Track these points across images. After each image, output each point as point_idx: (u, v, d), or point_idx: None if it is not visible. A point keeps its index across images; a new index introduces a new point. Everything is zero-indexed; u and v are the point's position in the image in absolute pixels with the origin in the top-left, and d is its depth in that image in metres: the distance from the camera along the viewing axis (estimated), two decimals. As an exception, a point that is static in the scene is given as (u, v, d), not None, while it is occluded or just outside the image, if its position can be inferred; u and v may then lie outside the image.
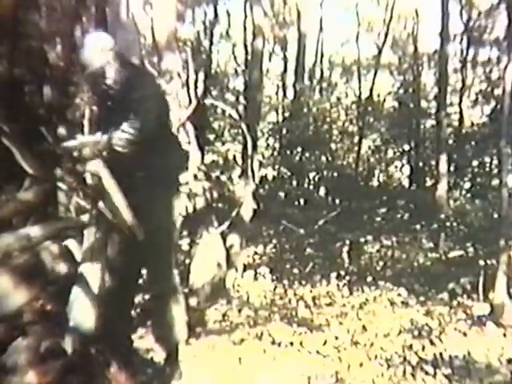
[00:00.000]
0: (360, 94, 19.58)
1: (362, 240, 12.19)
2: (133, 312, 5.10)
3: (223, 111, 15.78)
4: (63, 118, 4.44)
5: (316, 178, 18.61)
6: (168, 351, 4.29)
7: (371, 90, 18.44)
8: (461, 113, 17.81)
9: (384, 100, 20.27)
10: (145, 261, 4.17)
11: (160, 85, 4.27)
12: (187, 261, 7.33)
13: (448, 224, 12.11)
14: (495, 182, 14.66)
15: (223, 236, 7.79)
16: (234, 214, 8.26)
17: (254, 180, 9.04)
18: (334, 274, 9.40)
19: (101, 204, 3.89)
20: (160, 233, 4.01)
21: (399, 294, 8.36)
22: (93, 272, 3.84)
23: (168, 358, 4.30)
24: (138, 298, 5.29)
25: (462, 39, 17.93)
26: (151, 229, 3.88)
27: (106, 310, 3.83)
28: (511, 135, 7.98)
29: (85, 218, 4.21)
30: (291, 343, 5.79)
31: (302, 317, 6.91)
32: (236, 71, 20.09)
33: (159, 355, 4.50)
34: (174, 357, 4.29)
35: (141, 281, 4.61)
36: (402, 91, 19.93)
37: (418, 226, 12.98)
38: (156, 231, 3.93)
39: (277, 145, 18.57)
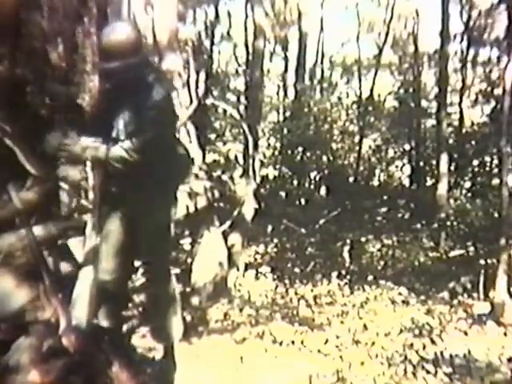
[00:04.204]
0: (360, 93, 19.61)
1: (363, 239, 12.21)
2: (135, 311, 5.12)
3: (224, 111, 15.82)
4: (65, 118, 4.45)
5: (317, 178, 18.62)
6: (164, 346, 4.32)
7: (372, 90, 18.46)
8: (461, 112, 17.81)
9: (384, 100, 20.27)
10: (142, 258, 4.19)
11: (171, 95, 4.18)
12: (189, 260, 7.34)
13: (448, 223, 12.13)
14: (495, 181, 14.67)
15: (225, 235, 7.81)
16: (235, 213, 8.28)
17: (255, 179, 9.06)
18: (334, 273, 9.44)
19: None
20: (158, 231, 4.04)
21: (400, 293, 8.38)
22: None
23: (165, 354, 4.33)
24: (139, 298, 5.31)
25: (462, 39, 17.92)
26: (150, 227, 3.90)
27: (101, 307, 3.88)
28: (511, 135, 7.99)
29: (87, 217, 4.23)
30: (292, 342, 5.81)
31: (303, 316, 6.93)
32: (237, 71, 20.11)
33: (159, 353, 4.52)
34: (170, 353, 4.32)
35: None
36: (402, 91, 19.92)
37: (418, 226, 13.00)
38: (155, 230, 3.96)
39: (278, 144, 18.57)
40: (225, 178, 10.52)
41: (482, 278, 8.45)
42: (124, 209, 3.81)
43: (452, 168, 15.87)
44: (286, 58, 20.76)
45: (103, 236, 3.86)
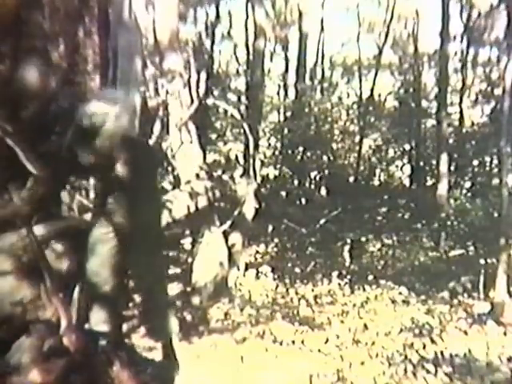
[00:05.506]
0: (361, 93, 19.60)
1: (363, 239, 12.21)
2: (135, 311, 5.12)
3: (225, 111, 15.81)
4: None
5: (317, 178, 18.60)
6: (162, 345, 4.32)
7: (372, 90, 18.46)
8: (461, 112, 17.81)
9: (385, 100, 20.27)
10: (136, 258, 4.21)
11: None
12: (189, 260, 7.35)
13: (448, 223, 12.11)
14: (495, 181, 14.67)
15: (225, 235, 7.82)
16: (236, 213, 8.28)
17: (255, 179, 9.07)
18: (335, 273, 9.44)
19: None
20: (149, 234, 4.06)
21: (400, 293, 8.39)
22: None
23: (165, 354, 4.32)
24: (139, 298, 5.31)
25: (462, 39, 17.92)
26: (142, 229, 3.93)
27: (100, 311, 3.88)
28: (511, 134, 8.00)
29: (88, 216, 4.23)
30: (293, 342, 5.83)
31: (303, 315, 6.95)
32: (238, 71, 20.11)
33: (159, 353, 4.52)
34: (170, 351, 4.31)
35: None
36: (402, 91, 19.92)
37: (418, 225, 12.99)
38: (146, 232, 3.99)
39: (278, 144, 18.57)
40: (225, 177, 10.54)
41: (481, 278, 8.46)
42: (112, 217, 3.83)
43: (452, 168, 15.85)
44: (286, 58, 20.75)
45: (90, 247, 3.87)
